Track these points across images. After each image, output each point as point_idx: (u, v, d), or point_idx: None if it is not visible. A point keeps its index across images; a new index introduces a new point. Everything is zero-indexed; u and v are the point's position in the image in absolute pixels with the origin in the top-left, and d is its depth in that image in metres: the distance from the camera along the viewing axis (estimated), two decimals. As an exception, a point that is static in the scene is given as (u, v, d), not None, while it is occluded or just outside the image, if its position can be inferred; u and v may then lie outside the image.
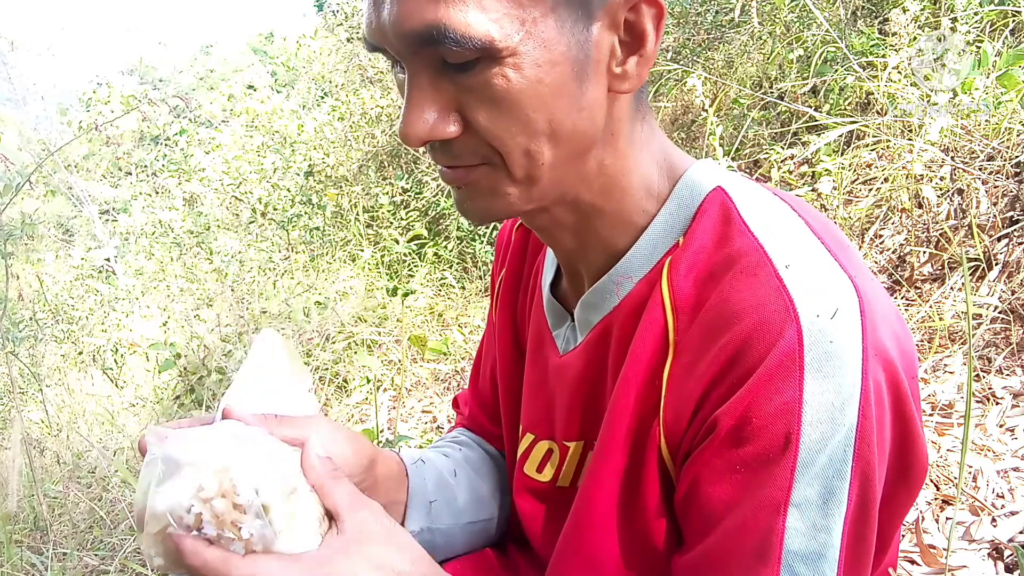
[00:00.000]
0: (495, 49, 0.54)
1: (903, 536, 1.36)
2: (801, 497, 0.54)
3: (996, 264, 2.08)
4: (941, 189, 2.31)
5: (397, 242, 4.08)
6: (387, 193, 4.94)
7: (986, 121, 2.24)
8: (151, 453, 0.55)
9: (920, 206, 2.33)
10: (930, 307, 2.08)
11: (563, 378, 0.74)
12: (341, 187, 5.24)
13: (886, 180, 2.49)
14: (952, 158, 2.25)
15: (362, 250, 4.67)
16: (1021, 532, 1.31)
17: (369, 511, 0.61)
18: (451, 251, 4.24)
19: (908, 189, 2.35)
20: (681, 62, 3.96)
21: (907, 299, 2.19)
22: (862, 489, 0.55)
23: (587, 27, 0.57)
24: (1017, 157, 2.15)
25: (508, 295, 0.88)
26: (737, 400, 0.56)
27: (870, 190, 2.61)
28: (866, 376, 0.54)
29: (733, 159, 3.06)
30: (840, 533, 0.55)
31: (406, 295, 3.63)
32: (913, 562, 1.29)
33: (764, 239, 0.60)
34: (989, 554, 1.28)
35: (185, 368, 3.41)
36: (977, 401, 1.78)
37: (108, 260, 7.11)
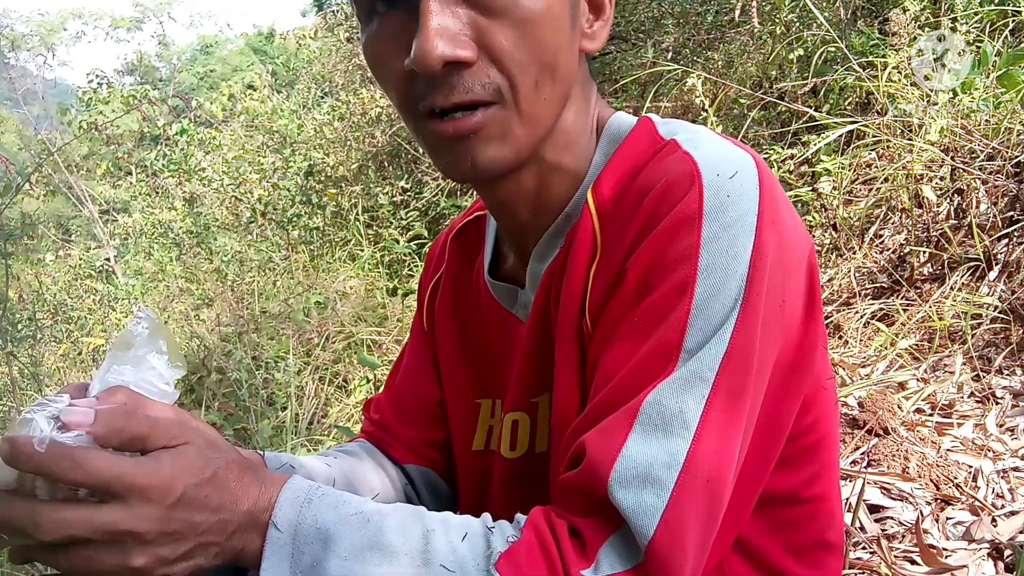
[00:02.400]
0: None
1: (902, 536, 1.36)
2: (693, 342, 0.57)
3: (996, 264, 2.08)
4: (941, 189, 2.31)
5: (397, 242, 4.08)
6: (387, 193, 4.94)
7: (986, 121, 2.24)
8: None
9: (920, 206, 2.33)
10: (930, 307, 2.08)
11: (522, 341, 0.75)
12: (341, 187, 5.25)
13: (886, 180, 2.49)
14: (952, 158, 2.25)
15: (362, 250, 4.67)
16: (1021, 532, 1.31)
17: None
18: (451, 251, 4.24)
19: (908, 189, 2.35)
20: (681, 62, 3.96)
21: (907, 299, 2.19)
22: (748, 334, 0.57)
23: None
24: (1017, 157, 2.15)
25: (448, 298, 0.87)
26: (643, 249, 0.60)
27: (870, 190, 2.61)
28: (761, 232, 0.58)
29: (733, 159, 3.06)
30: (716, 368, 0.56)
31: (406, 295, 3.63)
32: (913, 562, 1.29)
33: (677, 135, 0.66)
34: (989, 554, 1.28)
35: (185, 368, 3.40)
36: (977, 401, 1.78)
37: (108, 260, 7.11)
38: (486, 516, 0.59)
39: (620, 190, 0.66)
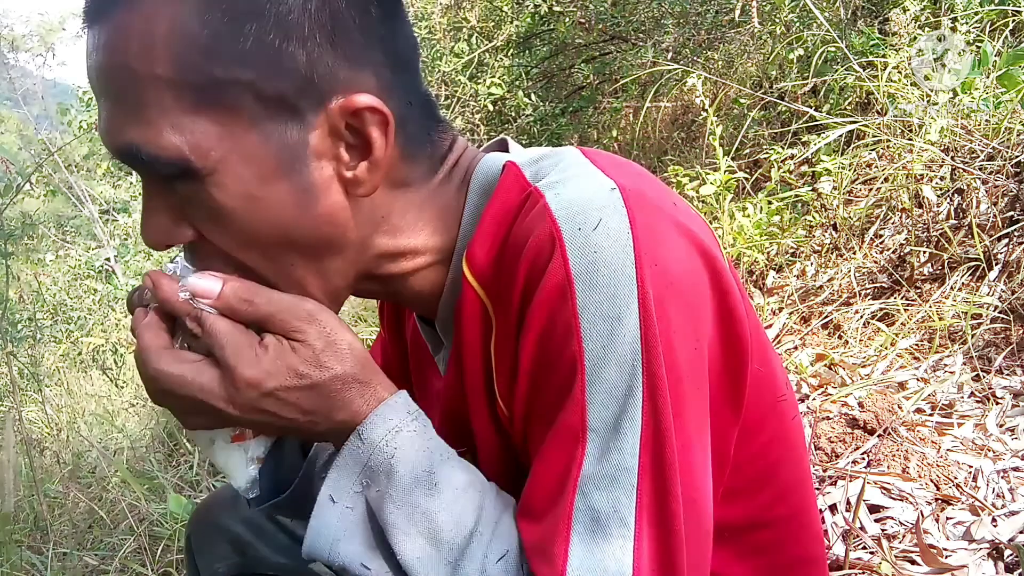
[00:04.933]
0: (192, 168, 0.54)
1: (902, 536, 1.36)
2: (597, 420, 0.53)
3: (996, 264, 2.08)
4: (941, 189, 2.31)
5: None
6: (387, 193, 4.93)
7: (986, 121, 2.24)
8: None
9: (920, 206, 2.33)
10: (930, 307, 2.08)
11: (440, 398, 0.73)
12: (341, 187, 5.24)
13: (886, 180, 2.49)
14: (952, 158, 2.25)
15: (362, 250, 4.66)
16: (1021, 532, 1.31)
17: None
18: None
19: (908, 189, 2.35)
20: (681, 62, 3.96)
21: (907, 299, 2.19)
22: (659, 404, 0.53)
23: (303, 136, 0.56)
24: (1017, 157, 2.15)
25: (393, 320, 0.86)
26: (526, 329, 0.56)
27: (870, 190, 2.61)
28: (642, 284, 0.53)
29: (733, 159, 3.06)
30: (636, 452, 0.53)
31: (406, 295, 3.62)
32: (913, 562, 1.29)
33: (538, 180, 0.61)
34: (989, 554, 1.28)
35: (185, 368, 3.39)
36: (977, 401, 1.78)
37: (108, 260, 7.11)
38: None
39: (496, 254, 0.61)
